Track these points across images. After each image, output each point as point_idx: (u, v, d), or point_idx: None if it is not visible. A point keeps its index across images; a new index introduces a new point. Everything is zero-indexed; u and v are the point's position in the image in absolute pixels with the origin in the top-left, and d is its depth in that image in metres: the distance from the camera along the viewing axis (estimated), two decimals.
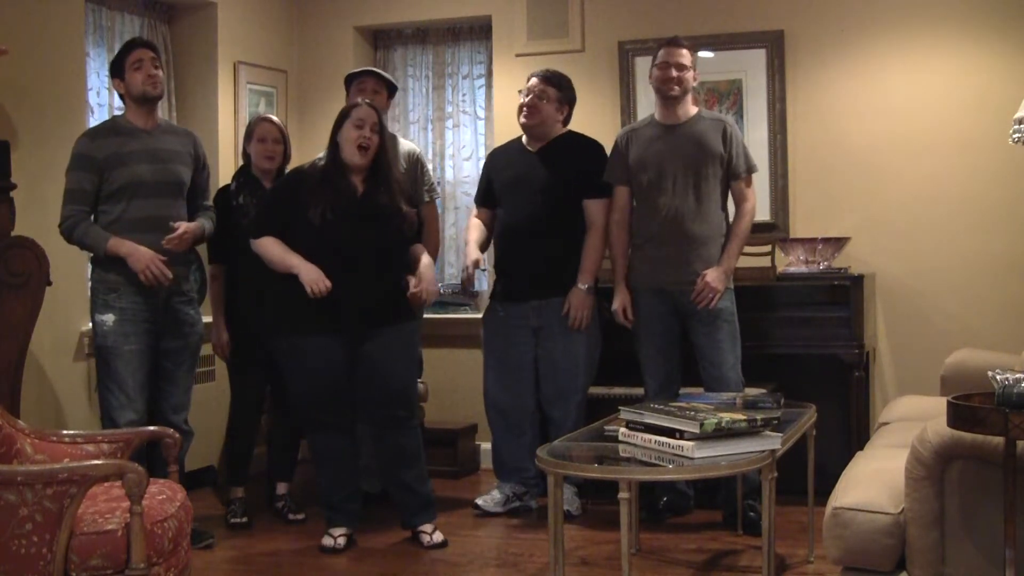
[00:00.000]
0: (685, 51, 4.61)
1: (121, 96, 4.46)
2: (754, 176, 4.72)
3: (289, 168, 4.93)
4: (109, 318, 4.27)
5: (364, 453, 4.65)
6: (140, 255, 4.23)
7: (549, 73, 4.89)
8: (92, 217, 4.31)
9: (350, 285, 4.28)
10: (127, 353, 4.26)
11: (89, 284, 4.44)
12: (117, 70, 4.41)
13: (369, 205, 4.35)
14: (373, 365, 4.36)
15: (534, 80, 4.86)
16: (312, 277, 4.22)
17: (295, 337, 4.33)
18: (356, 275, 4.29)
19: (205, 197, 4.62)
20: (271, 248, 4.35)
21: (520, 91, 4.95)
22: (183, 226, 4.32)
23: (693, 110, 4.69)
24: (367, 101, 4.50)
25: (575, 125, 5.08)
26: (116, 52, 4.55)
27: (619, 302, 4.71)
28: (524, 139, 4.96)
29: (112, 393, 4.25)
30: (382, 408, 4.41)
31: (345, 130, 4.36)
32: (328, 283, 4.21)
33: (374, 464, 4.69)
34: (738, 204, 4.65)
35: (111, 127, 4.42)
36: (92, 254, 4.38)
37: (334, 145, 4.39)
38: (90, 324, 4.83)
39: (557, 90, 4.85)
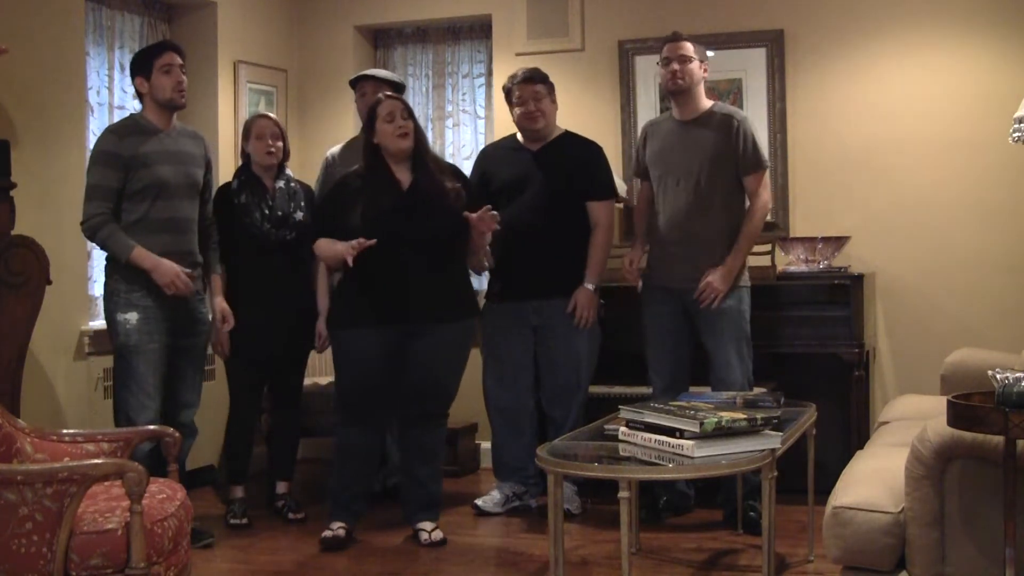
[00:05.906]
0: (686, 43, 4.55)
1: (139, 94, 4.40)
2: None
3: (288, 166, 4.93)
4: (133, 316, 4.25)
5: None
6: (164, 270, 4.22)
7: (532, 73, 4.83)
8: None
9: (399, 280, 4.29)
10: (150, 351, 4.25)
11: (101, 283, 4.41)
12: (143, 69, 4.34)
13: (417, 195, 4.35)
14: (422, 363, 4.36)
15: (523, 86, 4.79)
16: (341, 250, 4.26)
17: (342, 329, 4.39)
18: (406, 270, 4.29)
19: (209, 195, 4.64)
20: (321, 246, 4.41)
21: (513, 100, 4.84)
22: (218, 307, 4.59)
23: (706, 104, 4.62)
24: (386, 94, 4.52)
25: (574, 123, 5.07)
26: (141, 49, 4.49)
27: (633, 252, 4.67)
28: (520, 138, 4.93)
29: (132, 393, 4.24)
30: (419, 404, 4.42)
31: (379, 128, 4.36)
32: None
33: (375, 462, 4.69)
34: (749, 201, 4.57)
35: (135, 126, 4.35)
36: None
37: (371, 148, 4.39)
38: (91, 324, 4.86)
39: (545, 85, 4.83)
